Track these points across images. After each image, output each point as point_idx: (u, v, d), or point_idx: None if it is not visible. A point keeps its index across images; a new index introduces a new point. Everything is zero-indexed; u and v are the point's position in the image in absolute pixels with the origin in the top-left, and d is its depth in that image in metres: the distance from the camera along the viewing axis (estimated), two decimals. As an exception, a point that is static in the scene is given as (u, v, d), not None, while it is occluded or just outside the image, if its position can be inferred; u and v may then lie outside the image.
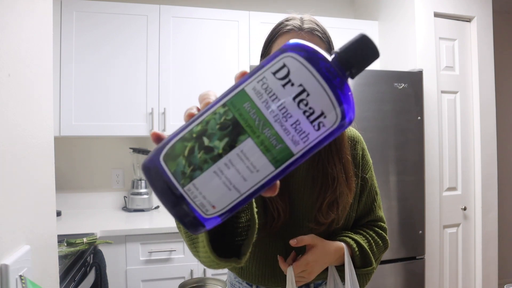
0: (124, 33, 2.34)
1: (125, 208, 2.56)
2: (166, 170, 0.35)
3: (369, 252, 0.93)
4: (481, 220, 2.50)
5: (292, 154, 0.35)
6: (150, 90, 2.37)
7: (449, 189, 2.48)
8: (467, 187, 2.53)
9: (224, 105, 0.36)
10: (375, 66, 2.72)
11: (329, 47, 0.91)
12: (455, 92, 2.52)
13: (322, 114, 0.35)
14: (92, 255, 1.78)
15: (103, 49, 2.31)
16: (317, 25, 0.90)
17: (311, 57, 0.35)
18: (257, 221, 0.61)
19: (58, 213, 2.39)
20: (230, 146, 0.34)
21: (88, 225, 2.13)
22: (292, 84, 0.34)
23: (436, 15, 2.46)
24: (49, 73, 0.86)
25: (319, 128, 0.35)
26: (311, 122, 0.35)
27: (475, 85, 2.53)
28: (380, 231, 1.00)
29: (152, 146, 2.64)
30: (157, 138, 0.40)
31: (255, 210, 0.62)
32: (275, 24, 0.92)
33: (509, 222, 3.19)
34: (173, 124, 2.39)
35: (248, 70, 0.38)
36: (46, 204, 0.84)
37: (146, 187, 2.55)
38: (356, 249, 0.92)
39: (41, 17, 0.82)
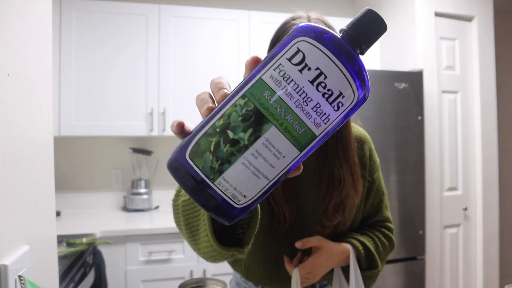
0: (124, 33, 2.33)
1: (125, 208, 2.55)
2: (194, 168, 0.36)
3: (375, 254, 0.93)
4: (482, 220, 2.50)
5: (315, 136, 0.37)
6: (150, 90, 2.36)
7: (450, 189, 2.48)
8: (468, 187, 2.53)
9: (243, 96, 0.36)
10: (375, 66, 2.72)
11: None
12: (456, 92, 2.51)
13: (340, 94, 0.36)
14: (91, 256, 1.78)
15: (103, 49, 2.30)
16: (325, 23, 0.89)
17: (323, 38, 0.36)
18: (259, 211, 0.61)
19: (58, 213, 2.38)
20: (255, 137, 0.35)
21: (88, 225, 2.12)
22: (309, 68, 0.35)
23: (437, 14, 2.46)
24: (48, 73, 0.86)
25: (338, 108, 0.36)
26: (331, 103, 0.36)
27: (476, 84, 2.53)
28: (387, 232, 1.00)
29: (152, 146, 2.64)
30: (181, 129, 0.40)
31: None
32: (281, 23, 0.90)
33: (510, 222, 3.18)
34: (173, 124, 2.38)
35: (261, 57, 0.39)
36: (45, 204, 0.83)
37: (145, 187, 2.54)
38: (362, 251, 0.91)
39: (40, 17, 0.82)
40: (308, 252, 0.90)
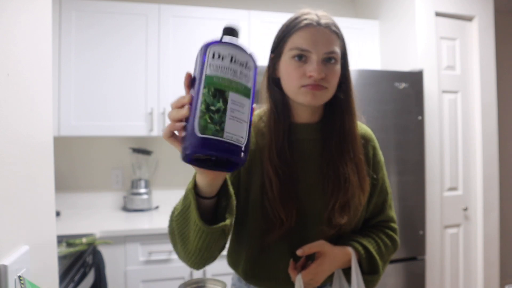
0: (124, 32, 2.33)
1: (125, 208, 2.55)
2: (208, 137, 0.55)
3: (377, 257, 0.92)
4: (482, 220, 2.49)
5: (250, 88, 0.61)
6: (150, 90, 2.36)
7: (450, 189, 2.47)
8: (468, 187, 2.53)
9: (205, 87, 0.58)
10: (375, 66, 2.71)
11: (343, 43, 0.90)
12: (456, 92, 2.51)
13: (247, 61, 0.61)
14: (91, 256, 1.78)
15: (102, 49, 2.30)
16: (333, 21, 0.89)
17: (221, 41, 0.61)
18: (231, 189, 0.75)
19: (58, 213, 2.38)
20: (226, 101, 0.57)
21: (88, 225, 2.12)
22: (225, 56, 0.59)
23: (437, 14, 2.46)
24: (48, 73, 0.86)
25: (250, 69, 0.61)
26: (246, 67, 0.61)
27: (476, 84, 2.53)
28: (390, 233, 1.00)
29: (152, 146, 2.64)
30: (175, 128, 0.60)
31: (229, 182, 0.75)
32: (289, 19, 0.90)
33: (510, 223, 3.19)
34: (173, 124, 2.38)
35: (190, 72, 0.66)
36: (45, 204, 0.83)
37: (145, 187, 2.54)
38: (364, 255, 0.91)
39: (40, 17, 0.81)
40: (311, 256, 0.89)
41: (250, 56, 0.61)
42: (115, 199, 2.63)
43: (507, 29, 3.21)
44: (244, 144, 0.57)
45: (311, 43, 0.84)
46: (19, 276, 0.64)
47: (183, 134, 0.58)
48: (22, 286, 0.63)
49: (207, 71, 0.58)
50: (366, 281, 0.91)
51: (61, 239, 1.69)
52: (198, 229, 0.69)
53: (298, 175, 0.90)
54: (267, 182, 0.88)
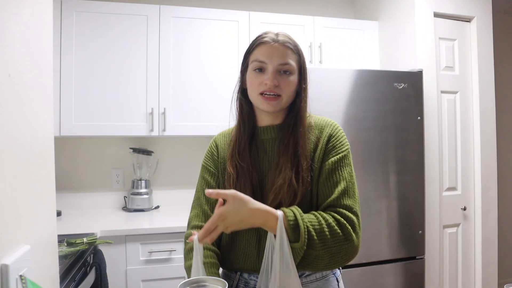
0: (124, 33, 2.34)
1: (125, 208, 2.56)
2: None
3: (302, 225, 0.87)
4: (481, 220, 2.50)
5: None
6: (150, 90, 2.37)
7: (449, 189, 2.48)
8: (467, 187, 2.53)
9: None
10: (375, 66, 2.72)
11: (299, 58, 1.05)
12: (455, 92, 2.52)
13: None
14: (92, 255, 1.78)
15: (103, 50, 2.31)
16: (290, 39, 1.04)
17: None
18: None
19: (58, 213, 2.39)
20: None
21: (88, 225, 2.13)
22: None
23: (436, 15, 2.46)
24: (49, 73, 0.87)
25: None
26: None
27: (475, 85, 2.53)
28: (338, 216, 0.92)
29: (152, 146, 2.65)
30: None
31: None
32: (255, 38, 1.06)
33: (509, 222, 3.19)
34: (173, 124, 2.39)
35: None
36: (46, 204, 0.84)
37: (146, 187, 2.55)
38: (292, 221, 0.88)
39: (41, 17, 0.82)
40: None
41: None
42: (115, 199, 2.64)
43: (506, 30, 3.21)
44: None
45: (267, 56, 1.01)
46: (21, 276, 0.64)
47: None
48: (24, 285, 0.64)
49: None
50: (293, 249, 0.88)
51: (62, 239, 1.69)
52: None
53: (262, 171, 1.04)
54: (227, 177, 1.04)
